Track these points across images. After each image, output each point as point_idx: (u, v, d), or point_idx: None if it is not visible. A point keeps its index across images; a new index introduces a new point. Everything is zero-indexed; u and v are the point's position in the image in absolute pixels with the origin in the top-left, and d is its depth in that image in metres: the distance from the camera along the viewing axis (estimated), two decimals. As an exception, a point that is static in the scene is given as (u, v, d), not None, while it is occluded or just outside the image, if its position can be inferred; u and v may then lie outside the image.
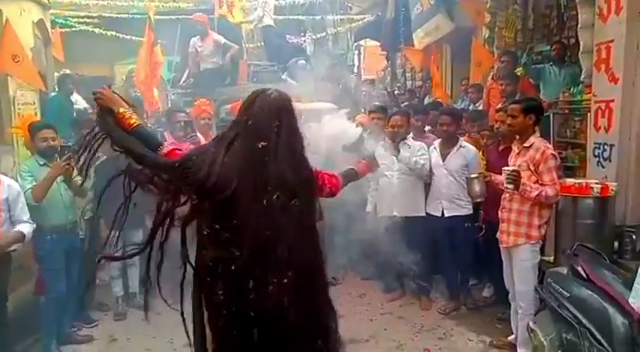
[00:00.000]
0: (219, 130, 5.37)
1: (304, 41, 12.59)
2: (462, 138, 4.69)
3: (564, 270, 3.15)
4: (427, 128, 5.56)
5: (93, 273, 2.38)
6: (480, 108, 6.58)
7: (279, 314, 1.97)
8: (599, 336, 2.57)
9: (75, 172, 4.03)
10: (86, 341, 4.19)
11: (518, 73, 6.14)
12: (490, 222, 4.15)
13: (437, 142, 4.74)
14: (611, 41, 3.94)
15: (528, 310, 3.55)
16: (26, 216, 3.61)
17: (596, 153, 4.09)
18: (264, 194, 1.94)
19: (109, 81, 11.17)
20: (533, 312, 3.46)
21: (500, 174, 3.62)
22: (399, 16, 10.32)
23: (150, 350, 4.02)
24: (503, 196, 3.72)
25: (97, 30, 10.81)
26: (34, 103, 6.53)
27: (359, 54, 15.81)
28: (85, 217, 4.42)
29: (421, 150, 4.68)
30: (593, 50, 4.21)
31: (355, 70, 15.31)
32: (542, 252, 3.67)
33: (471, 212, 4.51)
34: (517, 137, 3.77)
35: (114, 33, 10.75)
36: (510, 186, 3.51)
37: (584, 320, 2.69)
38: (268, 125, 2.00)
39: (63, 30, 9.89)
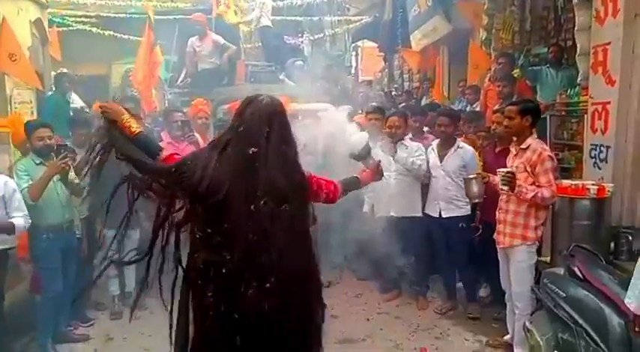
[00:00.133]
0: (217, 130, 5.42)
1: (302, 42, 12.57)
2: (459, 139, 4.69)
3: (561, 271, 3.17)
4: (426, 129, 5.57)
5: (99, 273, 2.39)
6: (477, 109, 6.60)
7: (269, 318, 1.99)
8: (595, 336, 2.59)
9: (71, 171, 4.02)
10: (82, 340, 4.18)
11: (516, 75, 6.17)
12: (487, 223, 4.16)
13: (435, 143, 4.75)
14: (608, 43, 3.97)
15: (525, 310, 3.56)
16: (22, 212, 3.60)
17: (593, 155, 4.12)
18: (253, 199, 1.97)
19: (106, 80, 11.20)
20: (530, 313, 3.47)
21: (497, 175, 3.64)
22: (396, 18, 10.34)
23: (146, 349, 4.01)
24: (500, 197, 3.73)
25: (94, 29, 10.76)
26: (31, 102, 6.51)
27: (356, 55, 15.82)
28: (82, 216, 4.42)
29: (418, 151, 4.69)
30: (589, 52, 4.24)
31: (352, 71, 15.31)
32: (538, 252, 3.69)
33: (469, 213, 4.50)
34: (514, 139, 3.78)
35: (111, 32, 10.70)
36: (505, 188, 3.52)
37: (580, 320, 2.71)
38: (259, 131, 2.04)
39: (60, 29, 9.84)
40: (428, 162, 4.67)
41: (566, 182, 3.69)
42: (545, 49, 6.40)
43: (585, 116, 4.39)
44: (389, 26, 10.57)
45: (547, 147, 3.68)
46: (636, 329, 2.33)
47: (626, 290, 2.38)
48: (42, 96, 6.82)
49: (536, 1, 6.71)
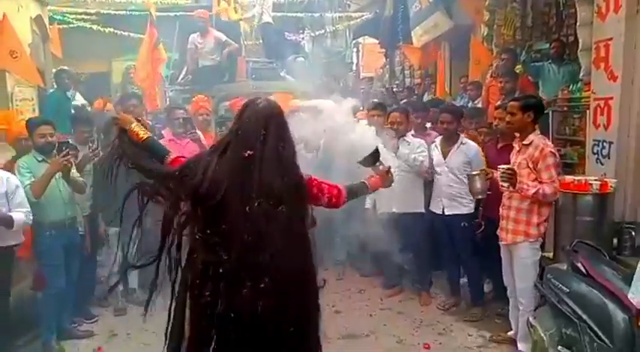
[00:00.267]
0: (218, 127, 5.43)
1: (302, 38, 12.55)
2: (462, 135, 4.65)
3: (564, 266, 3.16)
4: (429, 125, 5.57)
5: (116, 283, 2.45)
6: (479, 105, 6.60)
7: (264, 318, 2.03)
8: (599, 331, 2.59)
9: (73, 168, 4.03)
10: (86, 337, 4.20)
11: (518, 71, 6.16)
12: (490, 219, 4.15)
13: (438, 140, 4.72)
14: (610, 39, 3.95)
15: (529, 307, 3.56)
16: (24, 208, 3.60)
17: (595, 151, 4.11)
18: (249, 200, 2.02)
19: (107, 77, 11.19)
20: (534, 308, 3.47)
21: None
22: (397, 14, 10.32)
23: (150, 346, 4.02)
24: (503, 194, 3.72)
25: (95, 26, 10.76)
26: (33, 99, 6.53)
27: (357, 51, 15.80)
28: (84, 214, 4.43)
29: (420, 147, 4.68)
30: (591, 48, 4.23)
31: (353, 67, 15.30)
32: (542, 248, 3.68)
33: (472, 211, 4.46)
34: (517, 135, 3.78)
35: (112, 29, 10.70)
36: (505, 185, 3.52)
37: (584, 316, 2.71)
38: (255, 133, 2.09)
39: (61, 26, 9.85)
40: (432, 159, 4.65)
41: (568, 178, 3.69)
42: (547, 45, 6.39)
43: (587, 112, 4.38)
44: (390, 22, 10.56)
45: (549, 143, 3.66)
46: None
47: (630, 285, 2.39)
48: (43, 93, 6.83)
49: (537, -4, 6.71)
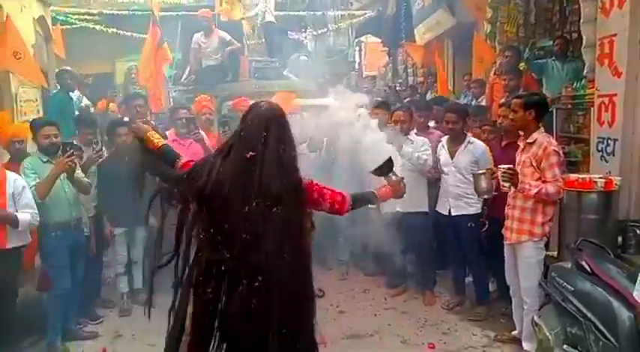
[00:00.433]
0: (221, 126, 5.43)
1: (305, 37, 12.55)
2: (469, 135, 4.58)
3: (568, 265, 3.15)
4: (432, 124, 5.55)
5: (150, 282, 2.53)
6: (483, 103, 6.58)
7: (257, 316, 2.09)
8: (604, 330, 2.58)
9: (78, 169, 4.03)
10: (91, 337, 4.20)
11: (521, 68, 6.14)
12: (494, 218, 4.13)
13: (445, 139, 4.67)
14: (614, 35, 3.94)
15: (533, 306, 3.54)
16: (31, 209, 3.61)
17: (600, 148, 4.09)
18: (249, 200, 2.09)
19: (110, 78, 11.22)
20: (538, 308, 3.46)
21: None
22: (400, 12, 10.29)
23: (155, 346, 4.01)
24: (508, 193, 3.69)
25: (97, 27, 10.79)
26: (36, 100, 6.54)
27: (360, 50, 15.77)
28: (90, 215, 4.44)
29: (424, 146, 4.66)
30: (595, 44, 4.21)
31: (356, 66, 15.28)
32: (546, 246, 3.66)
33: (479, 211, 4.39)
34: (521, 133, 3.76)
35: (115, 30, 10.73)
36: (506, 185, 3.49)
37: (589, 314, 2.70)
38: (256, 135, 2.16)
39: (64, 27, 9.88)
40: (439, 159, 4.62)
41: (573, 176, 3.67)
42: (551, 42, 6.37)
43: (592, 109, 4.37)
44: (392, 20, 10.52)
45: (553, 141, 3.61)
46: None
47: (635, 283, 2.38)
48: (47, 94, 6.84)
49: (540, -7, 6.68)
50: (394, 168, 2.74)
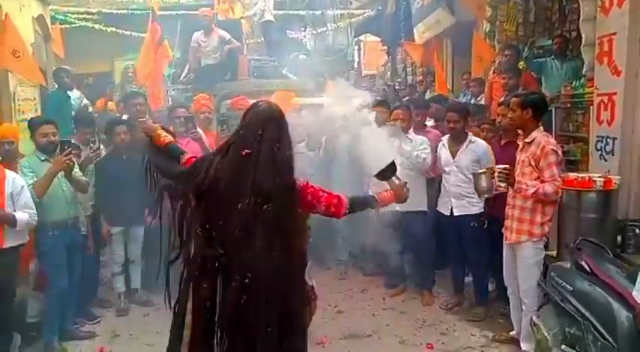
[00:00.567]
0: (220, 125, 5.42)
1: (304, 36, 12.54)
2: (470, 134, 4.54)
3: (567, 264, 3.14)
4: (431, 123, 5.54)
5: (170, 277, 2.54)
6: (482, 102, 6.57)
7: (246, 312, 2.13)
8: (602, 330, 2.57)
9: (76, 168, 4.02)
10: (88, 337, 4.18)
11: (521, 67, 6.13)
12: (493, 217, 4.12)
13: (446, 139, 4.63)
14: (614, 34, 3.92)
15: (532, 306, 3.52)
16: (30, 209, 3.59)
17: (599, 147, 4.08)
18: (243, 197, 2.14)
19: (109, 77, 11.22)
20: (537, 308, 3.44)
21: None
22: (399, 11, 10.30)
23: (152, 346, 4.01)
24: (508, 192, 3.66)
25: (97, 26, 10.78)
26: (35, 99, 6.53)
27: (359, 49, 15.77)
28: (87, 214, 4.43)
29: (423, 144, 4.65)
30: (595, 43, 4.20)
31: (355, 65, 15.28)
32: (545, 246, 3.64)
33: (482, 211, 4.35)
34: (520, 132, 3.74)
35: (114, 29, 10.72)
36: (503, 185, 3.48)
37: (587, 314, 2.69)
38: (253, 134, 2.22)
39: (63, 26, 9.87)
40: (440, 159, 4.59)
41: (572, 175, 3.66)
42: (550, 41, 6.35)
43: (591, 107, 4.35)
44: (392, 19, 10.53)
45: (552, 140, 3.58)
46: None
47: (634, 283, 2.37)
48: (45, 93, 6.83)
49: (540, -8, 6.67)
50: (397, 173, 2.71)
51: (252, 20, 9.36)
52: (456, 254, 4.65)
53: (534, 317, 3.22)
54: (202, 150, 4.56)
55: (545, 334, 2.96)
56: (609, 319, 2.55)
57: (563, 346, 2.86)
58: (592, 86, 4.37)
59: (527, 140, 3.59)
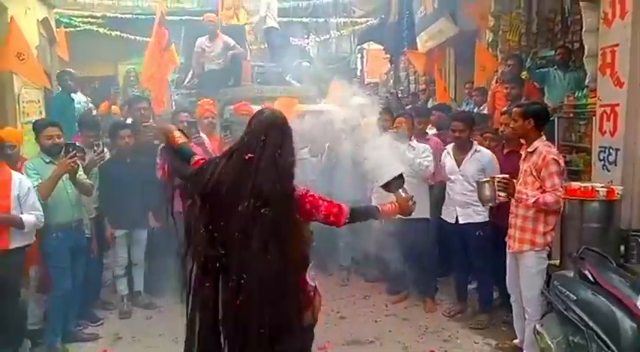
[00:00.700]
0: (223, 130, 5.45)
1: (308, 43, 12.59)
2: (475, 143, 4.56)
3: (571, 273, 3.15)
4: (433, 131, 5.56)
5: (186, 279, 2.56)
6: (485, 111, 6.60)
7: (243, 313, 2.19)
8: (606, 339, 2.57)
9: (80, 170, 4.03)
10: (91, 339, 4.19)
11: (523, 77, 6.16)
12: (496, 226, 4.13)
13: (450, 147, 4.65)
14: (616, 45, 3.95)
15: (534, 316, 3.52)
16: (36, 211, 3.61)
17: (602, 157, 4.09)
18: (243, 200, 2.19)
19: (113, 81, 11.26)
20: (540, 317, 3.44)
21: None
22: (402, 20, 10.37)
23: (154, 348, 4.02)
24: (511, 201, 3.67)
25: (101, 30, 10.84)
26: (39, 101, 6.55)
27: (362, 57, 15.83)
28: (91, 216, 4.44)
29: (425, 152, 4.67)
30: (597, 54, 4.22)
31: (358, 73, 15.33)
32: (548, 256, 3.65)
33: (487, 219, 4.35)
34: (523, 141, 3.77)
35: (118, 33, 10.78)
36: (503, 194, 3.49)
37: (591, 323, 2.69)
38: (256, 139, 2.28)
39: (67, 29, 9.90)
40: (444, 167, 4.60)
41: (575, 184, 3.66)
42: (552, 52, 6.39)
43: (593, 118, 4.37)
44: (395, 28, 10.60)
45: (553, 150, 3.60)
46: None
47: (638, 292, 2.38)
48: (50, 95, 6.85)
49: (542, 3, 6.71)
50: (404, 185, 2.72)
51: (256, 27, 9.40)
52: (459, 261, 4.65)
53: (538, 326, 3.22)
54: (205, 154, 4.57)
55: (549, 342, 2.97)
56: (613, 328, 2.56)
57: (566, 354, 2.87)
58: (595, 97, 4.40)
59: (529, 149, 3.61)
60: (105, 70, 11.80)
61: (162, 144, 2.80)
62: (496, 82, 6.74)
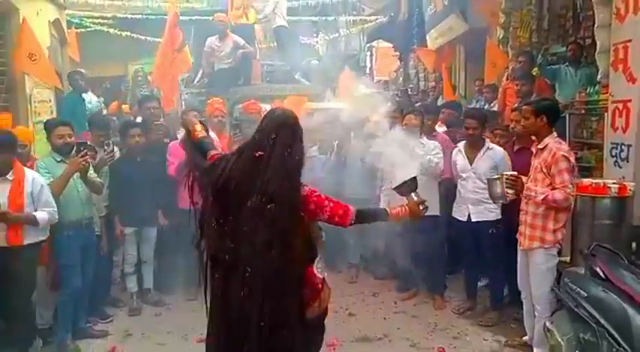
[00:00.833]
0: (232, 129, 5.47)
1: (317, 42, 12.58)
2: (488, 140, 4.52)
3: (582, 270, 3.12)
4: (443, 129, 5.54)
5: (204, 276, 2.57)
6: (495, 108, 6.56)
7: (246, 305, 2.25)
8: (618, 336, 2.54)
9: (91, 169, 4.07)
10: (101, 336, 4.22)
11: (534, 74, 6.11)
12: (509, 223, 4.09)
13: (462, 145, 4.61)
14: (629, 41, 3.91)
15: (544, 313, 3.50)
16: (50, 207, 3.65)
17: (614, 154, 4.05)
18: (251, 196, 2.26)
19: (124, 81, 11.36)
20: (549, 315, 3.42)
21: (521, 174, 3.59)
22: (412, 17, 10.34)
23: (164, 345, 4.05)
24: (522, 198, 3.65)
25: (111, 30, 10.90)
26: (50, 101, 6.60)
27: (371, 55, 15.80)
28: (101, 215, 4.47)
29: (435, 149, 4.65)
30: (610, 50, 4.18)
31: (367, 71, 15.29)
32: (558, 252, 3.62)
33: (499, 217, 4.32)
34: (534, 138, 3.74)
35: (128, 33, 10.84)
36: (510, 192, 3.47)
37: (602, 321, 2.66)
38: (267, 138, 2.34)
39: (78, 30, 9.99)
40: (455, 165, 4.58)
41: (587, 180, 3.63)
42: (564, 48, 6.34)
43: (605, 114, 4.33)
44: (404, 25, 10.56)
45: (564, 147, 3.56)
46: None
47: (650, 289, 2.35)
48: (61, 95, 6.91)
49: (554, -1, 6.66)
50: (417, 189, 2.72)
51: (265, 25, 9.40)
52: (470, 259, 4.63)
53: (548, 323, 3.19)
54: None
55: (559, 339, 2.94)
56: (625, 325, 2.53)
57: (577, 352, 2.84)
58: (607, 93, 4.35)
59: (539, 146, 3.58)
60: (115, 70, 11.88)
61: (182, 138, 2.85)
62: (507, 78, 6.69)
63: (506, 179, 3.48)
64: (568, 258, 3.70)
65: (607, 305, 2.69)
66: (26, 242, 3.57)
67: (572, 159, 3.54)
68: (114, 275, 4.93)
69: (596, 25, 4.58)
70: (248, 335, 2.24)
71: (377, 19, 12.62)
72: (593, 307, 2.77)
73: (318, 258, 2.47)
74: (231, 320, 2.31)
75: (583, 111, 5.34)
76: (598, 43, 4.58)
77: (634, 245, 3.52)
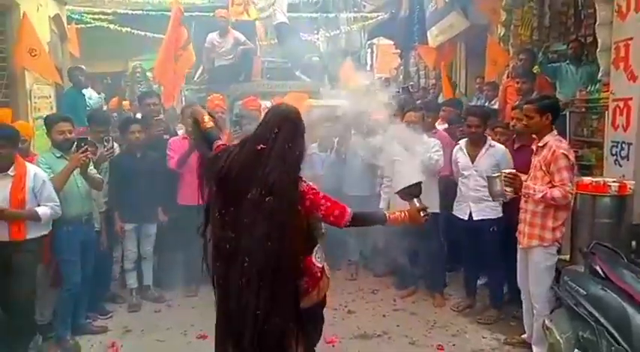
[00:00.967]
0: (232, 125, 5.47)
1: (317, 39, 12.55)
2: (489, 138, 4.50)
3: (581, 269, 3.12)
4: (444, 126, 5.53)
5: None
6: (496, 106, 6.55)
7: (245, 294, 2.30)
8: (617, 335, 2.54)
9: (91, 165, 4.06)
10: (101, 332, 4.21)
11: (535, 71, 6.10)
12: (509, 221, 4.09)
13: (463, 143, 4.59)
14: (630, 39, 3.91)
15: (543, 311, 3.50)
16: (52, 202, 3.64)
17: (614, 152, 4.05)
18: (252, 188, 2.32)
19: (124, 76, 11.35)
20: (548, 313, 3.42)
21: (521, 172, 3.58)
22: (413, 14, 10.32)
23: (164, 342, 4.05)
24: (522, 196, 3.64)
25: (112, 26, 10.87)
26: (50, 97, 6.60)
27: (372, 52, 15.77)
28: (101, 210, 4.47)
29: (435, 146, 4.64)
30: (611, 48, 4.17)
31: (368, 68, 15.26)
32: (558, 251, 3.61)
33: (501, 214, 4.30)
34: (534, 136, 3.73)
35: (129, 29, 10.81)
36: (509, 190, 3.46)
37: (601, 319, 2.66)
38: (269, 131, 2.40)
39: (79, 26, 9.97)
40: (457, 163, 4.57)
41: (587, 179, 3.63)
42: (565, 46, 6.32)
43: (606, 112, 4.33)
44: (405, 23, 10.54)
45: (564, 145, 3.55)
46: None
47: (650, 288, 2.35)
48: (61, 91, 6.90)
49: (555, -4, 6.64)
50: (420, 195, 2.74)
51: (266, 22, 9.39)
52: (470, 257, 4.62)
53: (547, 321, 3.19)
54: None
55: (558, 338, 2.94)
56: (624, 324, 2.53)
57: (576, 350, 2.84)
58: (607, 91, 4.35)
59: (539, 144, 3.58)
60: (116, 66, 11.87)
61: (191, 127, 2.94)
62: (507, 76, 6.69)
63: (505, 177, 3.48)
64: (568, 257, 3.70)
65: (606, 303, 2.69)
66: (28, 236, 3.57)
67: (572, 157, 3.53)
68: (113, 272, 4.94)
69: (597, 23, 4.57)
70: (245, 324, 2.28)
71: (378, 16, 12.59)
72: (593, 305, 2.77)
73: (317, 247, 2.50)
74: (231, 309, 2.35)
75: (583, 110, 5.33)
76: (599, 40, 4.57)
77: (634, 243, 3.52)
